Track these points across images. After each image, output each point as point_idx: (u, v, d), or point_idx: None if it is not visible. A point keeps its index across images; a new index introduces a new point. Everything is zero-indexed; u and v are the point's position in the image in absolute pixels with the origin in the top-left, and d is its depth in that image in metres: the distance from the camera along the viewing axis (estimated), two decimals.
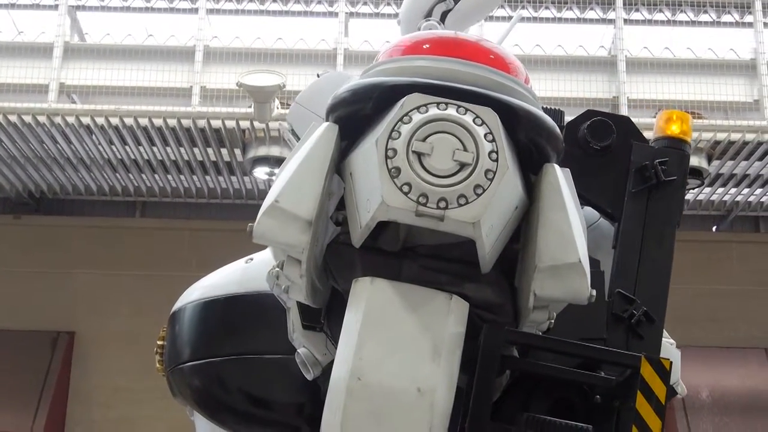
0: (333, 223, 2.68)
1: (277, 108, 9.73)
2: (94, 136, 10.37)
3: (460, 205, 2.41)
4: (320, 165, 2.58)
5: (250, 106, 9.72)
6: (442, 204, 2.40)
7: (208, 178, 11.44)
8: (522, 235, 2.67)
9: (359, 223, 2.54)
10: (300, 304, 2.94)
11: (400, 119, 2.46)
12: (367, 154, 2.51)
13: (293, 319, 3.02)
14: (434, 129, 2.45)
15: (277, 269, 2.86)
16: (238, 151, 10.64)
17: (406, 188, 2.41)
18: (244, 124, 10.05)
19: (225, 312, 3.37)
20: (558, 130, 2.65)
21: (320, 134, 2.62)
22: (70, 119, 9.94)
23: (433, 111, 2.47)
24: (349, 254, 2.66)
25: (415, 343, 2.55)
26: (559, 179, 2.59)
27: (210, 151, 10.68)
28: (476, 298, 2.65)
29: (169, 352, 3.57)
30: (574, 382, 2.78)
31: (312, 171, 2.57)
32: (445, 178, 2.41)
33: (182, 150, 10.65)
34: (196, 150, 10.66)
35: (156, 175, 11.39)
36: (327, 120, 2.68)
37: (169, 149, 10.64)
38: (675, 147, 3.27)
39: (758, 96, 10.13)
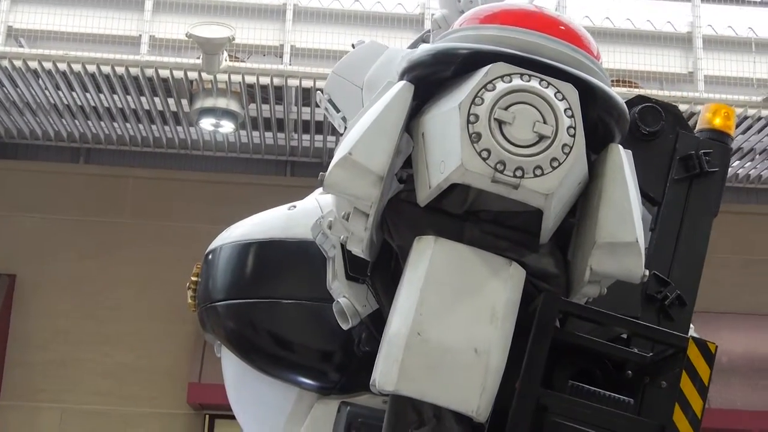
0: (396, 180, 2.76)
1: (226, 60, 9.82)
2: (40, 81, 10.35)
3: (536, 176, 2.47)
4: (395, 122, 2.63)
5: (198, 58, 9.77)
6: (519, 173, 2.46)
7: (153, 127, 11.47)
8: (579, 210, 2.73)
9: (428, 183, 2.60)
10: (347, 255, 3.04)
11: (484, 86, 2.51)
12: (446, 117, 2.56)
13: (337, 268, 3.10)
14: (517, 99, 2.50)
15: (322, 219, 2.99)
16: (184, 102, 10.68)
17: (485, 154, 2.46)
18: (192, 75, 10.09)
19: (265, 255, 3.38)
20: (627, 112, 2.72)
21: (396, 92, 2.66)
22: (17, 63, 9.91)
23: (517, 81, 2.52)
24: (411, 212, 2.73)
25: (475, 305, 2.60)
26: (623, 160, 2.66)
27: (157, 100, 10.70)
28: (533, 266, 2.72)
29: (203, 289, 3.55)
30: (602, 356, 2.80)
31: (386, 127, 2.62)
32: (524, 147, 2.48)
33: (129, 98, 10.66)
34: (142, 99, 10.68)
35: (102, 123, 11.39)
36: (402, 79, 2.71)
37: (116, 97, 10.65)
38: (718, 139, 3.34)
39: (692, 68, 10.44)
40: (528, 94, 2.52)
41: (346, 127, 3.40)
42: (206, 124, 10.88)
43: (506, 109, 2.49)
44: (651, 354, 2.82)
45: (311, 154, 11.99)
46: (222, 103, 10.41)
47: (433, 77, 2.68)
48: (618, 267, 2.63)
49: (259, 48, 10.30)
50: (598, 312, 2.75)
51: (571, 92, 2.55)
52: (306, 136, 11.53)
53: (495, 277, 2.64)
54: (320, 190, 3.49)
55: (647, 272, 2.66)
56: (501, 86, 2.51)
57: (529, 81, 2.53)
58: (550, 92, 2.52)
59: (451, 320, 2.58)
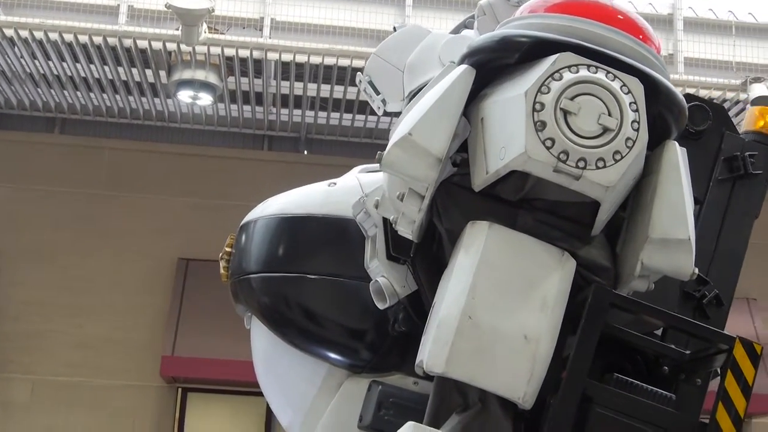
0: (450, 163, 2.75)
1: (205, 32, 9.73)
2: (16, 49, 10.23)
3: (598, 168, 2.49)
4: (455, 105, 2.65)
5: (177, 29, 9.68)
6: (581, 164, 2.48)
7: (130, 98, 11.39)
8: (630, 204, 2.75)
9: (485, 169, 2.62)
10: (390, 235, 3.03)
11: (551, 75, 2.53)
12: (510, 104, 2.57)
13: (378, 247, 3.09)
14: (583, 90, 2.52)
15: (366, 198, 3.03)
16: (162, 73, 10.60)
17: (548, 143, 2.48)
18: (171, 46, 10.01)
19: (303, 230, 3.37)
20: (687, 109, 2.75)
21: (458, 76, 2.68)
22: None
23: (584, 72, 2.54)
24: (464, 197, 2.74)
25: (526, 292, 2.62)
26: (679, 157, 2.68)
27: (134, 71, 10.61)
28: (583, 258, 2.73)
29: (238, 260, 3.54)
30: (637, 350, 2.84)
31: (447, 110, 2.64)
32: (588, 139, 2.50)
33: (106, 68, 10.57)
34: (120, 69, 10.59)
35: (78, 93, 11.29)
36: (462, 63, 2.72)
37: (93, 67, 10.55)
38: (764, 142, 3.34)
39: (673, 50, 10.45)
40: (594, 85, 2.53)
41: (385, 110, 3.52)
42: (184, 96, 10.81)
43: (572, 99, 2.51)
44: (689, 351, 2.86)
45: (289, 128, 11.95)
46: (200, 75, 10.35)
47: (495, 63, 2.69)
48: (669, 263, 2.66)
49: (238, 20, 10.22)
50: (650, 307, 2.77)
51: (637, 86, 2.56)
52: (284, 111, 11.48)
53: (547, 266, 2.66)
54: (359, 168, 3.53)
55: (696, 270, 2.68)
56: (568, 76, 2.53)
57: (596, 73, 2.55)
58: (616, 85, 2.54)
59: (502, 306, 2.59)
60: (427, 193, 2.66)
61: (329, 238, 3.33)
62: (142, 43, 9.96)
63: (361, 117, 11.42)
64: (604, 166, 2.50)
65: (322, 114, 11.46)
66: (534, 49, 2.63)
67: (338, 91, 10.82)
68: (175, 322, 11.07)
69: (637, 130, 2.53)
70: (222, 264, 3.60)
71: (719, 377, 2.73)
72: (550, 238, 2.70)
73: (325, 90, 10.84)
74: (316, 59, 10.10)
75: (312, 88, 10.83)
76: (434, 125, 2.63)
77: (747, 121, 3.42)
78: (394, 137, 2.69)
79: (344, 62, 10.09)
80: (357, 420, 3.22)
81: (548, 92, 2.51)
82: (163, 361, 10.98)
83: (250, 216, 3.59)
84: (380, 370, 3.24)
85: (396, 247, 3.05)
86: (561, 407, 2.60)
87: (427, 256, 2.95)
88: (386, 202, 2.92)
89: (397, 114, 3.37)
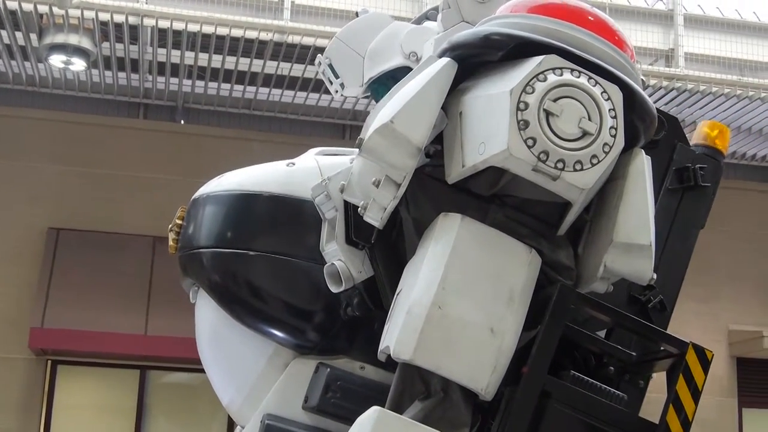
0: (423, 154, 2.78)
1: None
2: None
3: (576, 170, 2.58)
4: (437, 97, 2.72)
5: None
6: (560, 165, 2.56)
7: (0, 61, 11.06)
8: (593, 208, 2.84)
9: (461, 162, 2.69)
10: (351, 219, 3.03)
11: (536, 76, 2.60)
12: (493, 101, 2.64)
13: (337, 231, 3.08)
14: (566, 93, 2.60)
15: (328, 181, 3.02)
16: (33, 36, 10.27)
17: (530, 142, 2.55)
18: (43, 8, 9.70)
19: (259, 208, 3.34)
20: (656, 119, 2.86)
21: (441, 68, 2.75)
22: None
23: (567, 76, 2.62)
24: (436, 188, 2.82)
25: (495, 286, 2.69)
26: (645, 165, 2.80)
27: (3, 33, 10.26)
28: (548, 256, 2.81)
29: (191, 234, 3.47)
30: (576, 348, 2.92)
31: (429, 101, 2.71)
32: (568, 141, 2.58)
33: None
34: None
35: None
36: (443, 56, 2.79)
37: None
38: (713, 156, 3.44)
39: (673, 45, 10.89)
40: (577, 89, 2.62)
41: (342, 95, 3.63)
42: (56, 60, 10.51)
43: (555, 101, 2.59)
44: (635, 354, 2.98)
45: (166, 97, 11.75)
46: (74, 39, 10.08)
47: (477, 59, 2.77)
48: (630, 267, 2.76)
49: None
50: (611, 309, 2.88)
51: (616, 94, 2.66)
52: (161, 79, 11.28)
53: (516, 262, 2.74)
54: (317, 150, 3.53)
55: (655, 275, 2.79)
56: (552, 78, 2.61)
57: (579, 77, 2.63)
58: (597, 91, 2.63)
59: (471, 298, 2.67)
60: (403, 181, 2.72)
61: (284, 218, 3.34)
62: (12, 4, 9.66)
63: (239, 87, 11.31)
64: (581, 169, 2.58)
65: (200, 83, 11.30)
66: (519, 49, 2.71)
67: (216, 61, 10.70)
68: (44, 294, 10.83)
69: (614, 136, 2.62)
70: (171, 236, 3.55)
71: (667, 381, 2.85)
72: (519, 235, 2.78)
73: (203, 59, 10.68)
74: (194, 27, 9.96)
75: (189, 57, 10.66)
76: (415, 115, 2.69)
77: (696, 135, 3.53)
78: (374, 124, 2.73)
79: (223, 31, 9.97)
80: (302, 401, 3.25)
81: (533, 92, 2.59)
82: (32, 333, 10.72)
83: (204, 190, 3.56)
84: (327, 353, 3.26)
85: (357, 232, 3.07)
86: (522, 401, 2.68)
87: (386, 243, 3.00)
88: (354, 187, 2.96)
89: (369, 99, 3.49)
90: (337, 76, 3.62)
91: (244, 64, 10.67)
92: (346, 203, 3.03)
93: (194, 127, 11.93)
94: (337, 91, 3.64)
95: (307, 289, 3.25)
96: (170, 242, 3.55)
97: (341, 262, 3.07)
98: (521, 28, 2.76)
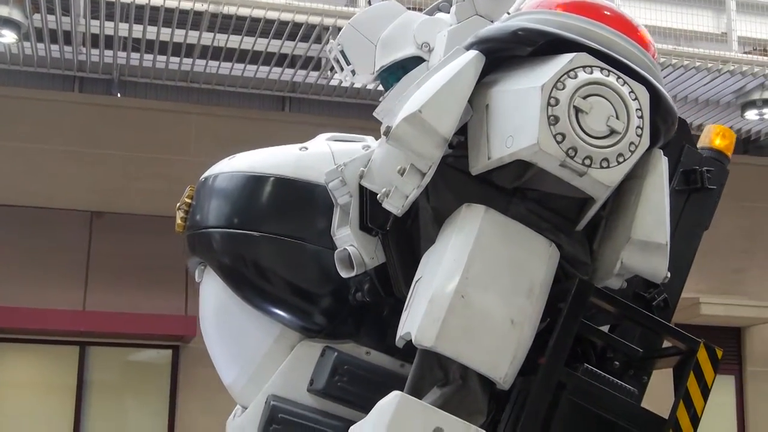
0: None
1: None
2: None
3: (602, 168, 2.64)
4: (465, 89, 2.77)
5: None
6: (587, 162, 2.63)
7: None
8: (610, 205, 2.91)
9: (487, 155, 2.75)
10: (367, 206, 3.08)
11: (566, 73, 2.66)
12: (523, 95, 2.69)
13: (351, 217, 3.12)
14: (595, 91, 2.67)
15: (344, 166, 3.08)
16: None
17: (559, 138, 2.61)
18: None
19: (271, 190, 3.35)
20: (677, 122, 2.94)
21: (469, 60, 2.80)
22: None
23: (597, 74, 2.69)
24: (459, 179, 2.89)
25: (516, 278, 2.76)
26: (664, 165, 2.88)
27: None
28: (566, 251, 2.88)
29: (201, 213, 3.46)
30: (579, 342, 2.95)
31: (456, 92, 2.76)
32: (596, 138, 2.64)
33: None
34: None
35: None
36: (471, 48, 2.84)
37: None
38: (719, 159, 3.52)
39: (726, 29, 11.04)
40: (606, 88, 2.68)
41: (352, 81, 3.72)
42: (9, 38, 10.28)
43: (585, 98, 2.66)
44: (642, 351, 3.06)
45: (101, 69, 11.56)
46: (3, 11, 9.86)
47: (505, 53, 2.84)
48: (646, 264, 2.84)
49: None
50: (627, 305, 2.96)
51: (644, 94, 2.74)
52: (95, 51, 11.09)
53: (537, 255, 2.81)
54: (327, 135, 3.57)
55: (669, 274, 2.86)
56: (583, 76, 2.67)
57: (608, 76, 2.70)
58: (625, 90, 2.70)
59: (493, 289, 2.73)
60: (429, 171, 2.76)
61: (296, 202, 3.36)
62: None
63: (176, 59, 11.17)
64: (608, 167, 2.65)
65: (135, 56, 11.14)
66: (549, 46, 2.77)
67: (151, 32, 10.54)
68: None
69: (640, 135, 2.70)
70: (179, 215, 3.55)
71: (675, 377, 2.95)
72: (540, 229, 2.84)
73: (137, 30, 10.53)
74: None
75: (123, 28, 10.49)
76: (443, 106, 2.74)
77: (703, 138, 3.60)
78: (402, 113, 2.77)
79: (157, 2, 9.83)
80: (307, 383, 3.28)
81: (563, 89, 2.64)
82: None
83: (214, 170, 3.56)
84: (334, 337, 3.29)
85: (372, 219, 3.11)
86: (538, 392, 2.74)
87: (400, 230, 3.06)
88: (373, 174, 3.04)
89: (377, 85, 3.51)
90: (348, 63, 3.68)
91: (179, 35, 10.53)
92: (362, 189, 3.09)
93: (131, 100, 11.77)
94: (347, 77, 3.70)
95: (315, 273, 3.29)
96: (178, 220, 3.55)
97: (353, 247, 3.13)
98: (550, 24, 2.82)
